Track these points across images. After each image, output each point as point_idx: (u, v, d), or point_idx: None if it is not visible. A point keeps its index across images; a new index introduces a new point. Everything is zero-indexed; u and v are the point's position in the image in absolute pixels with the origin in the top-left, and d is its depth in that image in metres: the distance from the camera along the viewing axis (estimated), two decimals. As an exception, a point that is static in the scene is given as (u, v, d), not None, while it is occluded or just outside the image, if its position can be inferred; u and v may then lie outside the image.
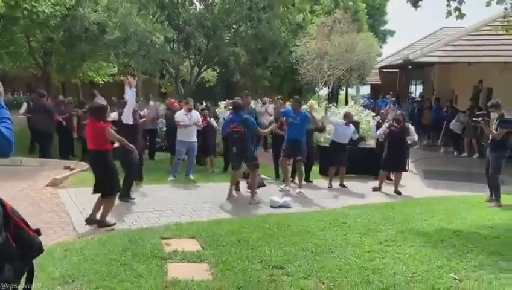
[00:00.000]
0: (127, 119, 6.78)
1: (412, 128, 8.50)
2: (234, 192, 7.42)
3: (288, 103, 13.53)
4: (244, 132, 6.95)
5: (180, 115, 8.52)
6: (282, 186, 8.11)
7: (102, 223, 5.39)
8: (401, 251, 4.52)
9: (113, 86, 18.87)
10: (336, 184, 8.66)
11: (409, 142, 8.45)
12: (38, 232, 2.15)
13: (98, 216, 5.46)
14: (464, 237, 5.09)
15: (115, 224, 5.48)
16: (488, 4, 5.84)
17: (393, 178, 8.67)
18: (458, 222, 5.85)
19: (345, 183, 8.67)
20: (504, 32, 6.99)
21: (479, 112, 8.77)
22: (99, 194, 5.51)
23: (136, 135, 6.89)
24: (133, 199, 6.73)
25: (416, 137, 8.55)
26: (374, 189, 8.38)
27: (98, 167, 5.53)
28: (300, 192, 7.91)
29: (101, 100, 7.01)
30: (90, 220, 5.47)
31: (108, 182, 5.44)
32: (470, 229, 5.42)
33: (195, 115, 8.74)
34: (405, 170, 8.64)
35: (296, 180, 8.26)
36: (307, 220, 5.80)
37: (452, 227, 5.51)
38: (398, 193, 8.25)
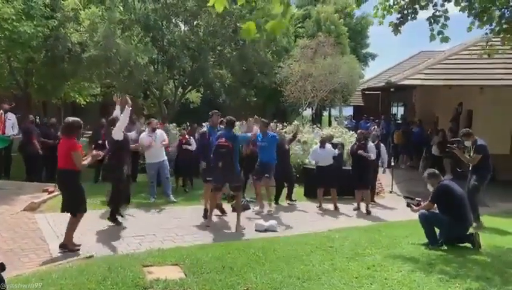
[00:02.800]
0: (118, 135, 6.49)
1: (371, 146, 8.65)
2: (215, 217, 7.22)
3: (272, 124, 13.56)
4: (233, 147, 6.70)
5: (143, 137, 8.38)
6: (255, 208, 8.15)
7: (65, 247, 5.26)
8: (389, 277, 4.44)
9: (96, 106, 18.68)
10: (327, 206, 8.60)
11: (370, 158, 8.50)
12: (2, 266, 2.00)
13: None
14: (451, 261, 5.05)
15: (79, 247, 5.34)
16: (469, 29, 5.99)
17: (376, 200, 8.74)
18: (444, 245, 5.82)
19: (335, 204, 8.60)
20: (486, 56, 7.14)
21: (453, 139, 8.92)
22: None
23: (124, 153, 6.69)
24: (120, 222, 6.55)
25: (372, 155, 8.53)
26: (354, 209, 8.61)
27: (66, 186, 5.38)
28: (270, 211, 7.98)
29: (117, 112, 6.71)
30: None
31: (75, 200, 5.34)
32: (456, 253, 5.39)
33: (160, 133, 8.60)
34: (367, 188, 8.70)
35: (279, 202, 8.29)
36: (293, 244, 5.69)
37: (438, 251, 5.47)
38: (368, 212, 8.39)
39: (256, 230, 6.68)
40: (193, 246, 5.56)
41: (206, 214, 7.08)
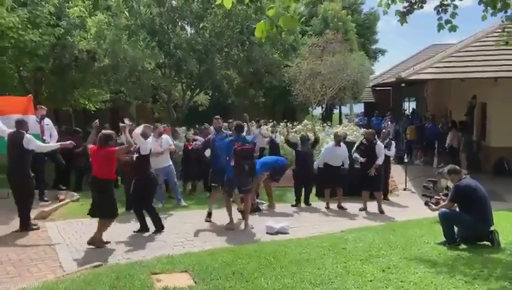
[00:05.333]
0: (145, 150, 6.63)
1: (380, 146, 8.35)
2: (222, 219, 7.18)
3: (282, 124, 13.41)
4: (254, 149, 6.92)
5: (152, 144, 8.23)
6: (263, 207, 8.27)
7: (93, 244, 5.66)
8: (405, 279, 4.27)
9: (106, 112, 18.74)
10: (333, 205, 8.48)
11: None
12: None
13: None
14: (471, 260, 4.86)
15: (107, 243, 5.78)
16: (484, 18, 5.75)
17: (390, 198, 8.54)
18: (462, 244, 5.62)
19: (342, 204, 8.47)
20: (502, 46, 6.87)
21: (430, 179, 7.88)
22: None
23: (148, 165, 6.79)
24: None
25: (379, 161, 8.18)
26: (361, 209, 8.32)
27: (102, 193, 5.73)
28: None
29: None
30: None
31: (110, 206, 5.76)
32: (476, 252, 5.19)
33: (166, 139, 8.52)
34: (381, 190, 8.49)
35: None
36: (304, 247, 5.56)
37: (456, 250, 5.28)
38: (381, 211, 8.18)
39: (267, 233, 6.56)
40: (203, 251, 5.46)
41: (210, 218, 7.13)
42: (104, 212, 5.77)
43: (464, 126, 12.79)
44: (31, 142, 6.44)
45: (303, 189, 8.77)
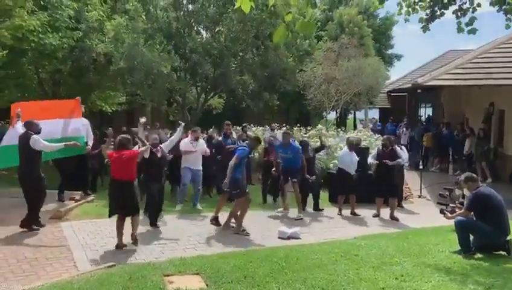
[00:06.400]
0: (166, 149, 7.08)
1: (400, 151, 8.33)
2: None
3: (295, 129, 13.42)
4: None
5: (185, 143, 8.41)
6: (279, 209, 8.21)
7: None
8: (419, 287, 4.22)
9: (122, 114, 18.99)
10: (346, 211, 8.42)
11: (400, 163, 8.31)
12: None
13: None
14: (486, 270, 4.78)
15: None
16: (507, 26, 5.68)
17: (404, 205, 8.44)
18: (477, 253, 5.53)
19: (356, 211, 8.41)
20: None
21: (446, 187, 7.57)
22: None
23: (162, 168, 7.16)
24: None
25: (402, 162, 8.35)
26: (374, 216, 8.29)
27: (128, 195, 5.85)
28: (300, 216, 7.88)
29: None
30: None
31: (136, 205, 5.99)
32: (491, 262, 5.10)
33: (202, 144, 8.64)
34: (396, 196, 8.45)
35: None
36: (317, 252, 5.53)
37: (471, 259, 5.20)
38: (394, 219, 8.12)
39: (279, 237, 6.55)
40: (215, 254, 5.48)
41: (217, 222, 7.05)
42: (134, 209, 5.96)
43: (483, 134, 12.59)
44: (37, 143, 6.41)
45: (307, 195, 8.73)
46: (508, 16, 5.54)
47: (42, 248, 5.76)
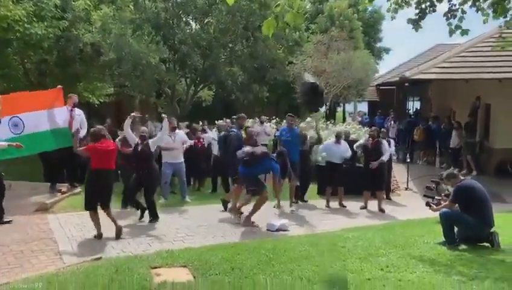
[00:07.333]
0: (153, 147, 6.80)
1: (385, 146, 8.39)
2: (229, 215, 7.27)
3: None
4: None
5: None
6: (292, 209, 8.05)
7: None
8: (404, 278, 4.28)
9: (110, 105, 18.79)
10: (334, 204, 8.49)
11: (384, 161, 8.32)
12: None
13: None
14: (470, 261, 4.86)
15: None
16: (485, 21, 5.75)
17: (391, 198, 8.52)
18: (462, 244, 5.62)
19: (344, 202, 8.48)
20: (500, 49, 6.87)
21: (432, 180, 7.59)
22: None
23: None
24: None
25: (384, 159, 8.32)
26: (362, 208, 8.36)
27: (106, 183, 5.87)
28: (293, 211, 7.87)
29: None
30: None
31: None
32: (475, 253, 5.19)
33: (180, 134, 8.50)
34: (383, 189, 8.53)
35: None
36: (304, 244, 5.56)
37: (455, 251, 5.28)
38: (381, 211, 8.20)
39: (267, 230, 6.58)
40: (202, 247, 5.47)
41: (236, 212, 7.12)
42: (109, 200, 5.96)
43: (468, 127, 12.74)
44: None
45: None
46: (483, 11, 5.62)
47: (28, 241, 5.69)
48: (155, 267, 4.60)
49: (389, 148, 8.51)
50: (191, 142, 8.95)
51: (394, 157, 9.43)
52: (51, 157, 8.25)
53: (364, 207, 8.36)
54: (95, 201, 5.81)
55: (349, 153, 8.59)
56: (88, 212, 5.85)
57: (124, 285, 4.03)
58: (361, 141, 8.69)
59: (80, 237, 5.87)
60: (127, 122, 6.83)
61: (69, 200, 7.91)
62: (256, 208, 6.77)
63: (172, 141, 8.10)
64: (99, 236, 5.79)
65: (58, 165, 8.51)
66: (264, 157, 6.72)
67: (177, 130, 8.41)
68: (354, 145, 8.71)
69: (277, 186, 7.69)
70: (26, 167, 9.92)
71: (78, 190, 8.56)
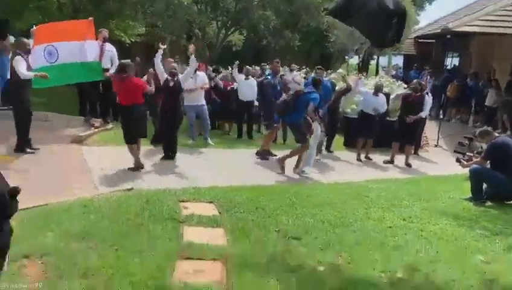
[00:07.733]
0: (183, 82, 6.90)
1: (427, 100, 8.11)
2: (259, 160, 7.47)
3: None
4: None
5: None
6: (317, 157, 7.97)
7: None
8: (426, 229, 4.32)
9: (141, 45, 18.79)
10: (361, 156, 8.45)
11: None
12: (14, 191, 2.09)
13: None
14: (495, 217, 4.84)
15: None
16: None
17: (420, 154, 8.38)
18: (488, 201, 5.56)
19: (370, 156, 8.42)
20: None
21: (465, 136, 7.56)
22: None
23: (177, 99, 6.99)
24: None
25: (423, 115, 8.14)
26: (386, 162, 8.17)
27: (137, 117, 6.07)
28: (318, 159, 7.82)
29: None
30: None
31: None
32: (501, 210, 5.15)
33: (202, 76, 8.41)
34: (412, 144, 8.36)
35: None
36: (327, 192, 5.65)
37: (481, 207, 5.25)
38: (408, 165, 8.05)
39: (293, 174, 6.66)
40: (228, 186, 5.61)
41: (263, 156, 7.42)
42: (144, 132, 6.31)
43: (509, 86, 12.13)
44: (17, 65, 6.12)
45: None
46: None
47: (63, 169, 5.98)
48: (183, 201, 4.79)
49: (428, 105, 8.22)
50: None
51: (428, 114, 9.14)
52: (88, 93, 8.51)
53: (389, 161, 8.20)
54: (132, 135, 6.07)
55: (385, 107, 8.40)
56: (121, 146, 6.09)
57: (154, 214, 4.24)
58: (398, 92, 8.41)
59: (112, 169, 6.09)
60: (159, 57, 6.82)
61: (101, 134, 8.16)
62: (293, 154, 6.83)
63: (193, 82, 8.07)
64: (137, 168, 6.08)
65: (94, 101, 8.77)
66: (296, 98, 6.65)
67: (197, 72, 8.36)
68: (391, 97, 8.47)
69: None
70: (64, 100, 10.25)
71: (110, 126, 8.82)
